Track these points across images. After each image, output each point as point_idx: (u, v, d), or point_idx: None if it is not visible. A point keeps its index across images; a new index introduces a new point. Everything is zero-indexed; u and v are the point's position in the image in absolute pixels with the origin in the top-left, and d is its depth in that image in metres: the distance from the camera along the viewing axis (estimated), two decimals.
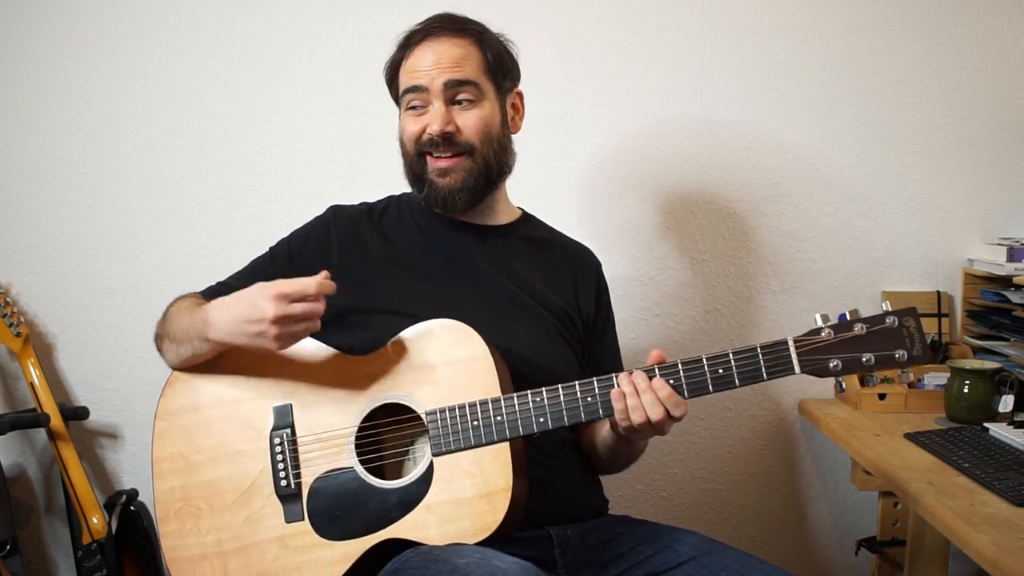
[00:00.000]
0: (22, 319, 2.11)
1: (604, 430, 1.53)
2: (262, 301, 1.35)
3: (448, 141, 1.53)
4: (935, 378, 2.04)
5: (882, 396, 2.02)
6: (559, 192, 2.18)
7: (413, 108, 1.56)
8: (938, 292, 2.19)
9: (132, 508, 2.07)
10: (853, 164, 2.19)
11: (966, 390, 1.87)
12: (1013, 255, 2.03)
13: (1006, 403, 1.86)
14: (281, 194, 2.17)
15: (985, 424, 1.81)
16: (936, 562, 1.95)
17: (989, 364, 1.91)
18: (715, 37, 2.16)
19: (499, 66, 1.57)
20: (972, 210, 2.20)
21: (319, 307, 1.36)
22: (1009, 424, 1.80)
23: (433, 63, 1.52)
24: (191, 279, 1.99)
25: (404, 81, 1.57)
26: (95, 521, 2.04)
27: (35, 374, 2.07)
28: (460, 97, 1.53)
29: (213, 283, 1.62)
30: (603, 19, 2.16)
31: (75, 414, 2.13)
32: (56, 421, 2.05)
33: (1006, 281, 2.05)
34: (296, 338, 1.38)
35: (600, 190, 2.19)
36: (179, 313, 1.51)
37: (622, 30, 2.16)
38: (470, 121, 1.54)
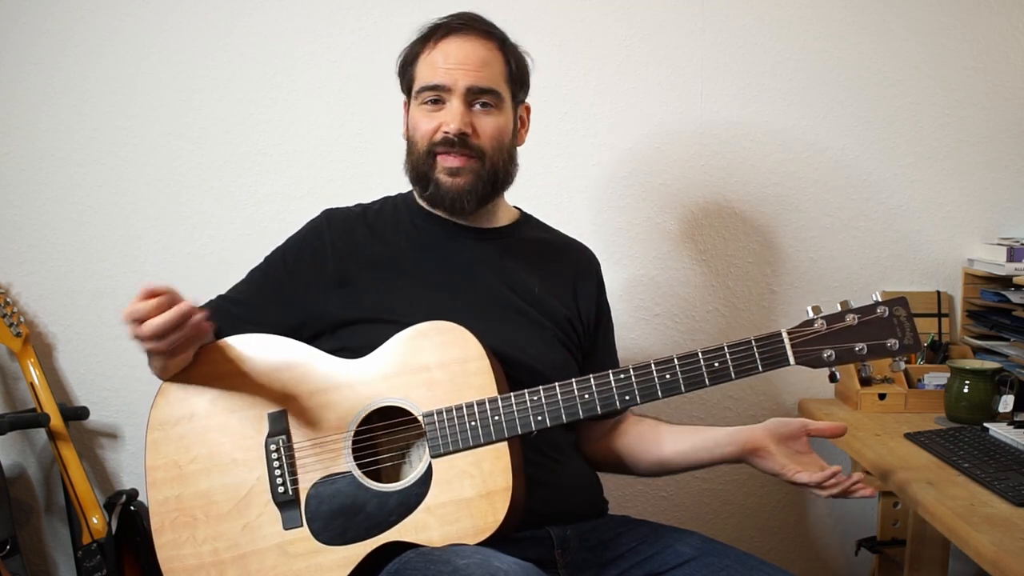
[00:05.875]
0: (22, 319, 2.11)
1: (694, 442, 1.57)
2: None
3: (463, 142, 1.50)
4: (935, 378, 2.04)
5: (882, 396, 2.02)
6: (559, 192, 2.18)
7: (428, 103, 1.53)
8: (938, 292, 2.19)
9: (132, 508, 2.07)
10: (853, 164, 2.19)
11: (966, 390, 1.87)
12: (1013, 255, 2.03)
13: (1006, 403, 1.86)
14: (281, 194, 2.17)
15: (985, 424, 1.81)
16: (936, 562, 1.95)
17: (989, 364, 1.91)
18: (715, 37, 2.16)
19: (519, 76, 1.56)
20: (972, 210, 2.20)
21: (168, 299, 1.32)
22: (1009, 424, 1.79)
23: (458, 62, 1.49)
24: (191, 279, 2.01)
25: (424, 75, 1.53)
26: (95, 521, 2.04)
27: (35, 374, 2.07)
28: (480, 101, 1.51)
29: (213, 297, 1.60)
30: (603, 19, 2.15)
31: (75, 414, 2.13)
32: (56, 421, 2.05)
33: (1006, 281, 2.05)
34: (175, 341, 1.34)
35: (600, 190, 2.19)
36: None
37: (622, 30, 2.16)
38: (487, 127, 1.52)
